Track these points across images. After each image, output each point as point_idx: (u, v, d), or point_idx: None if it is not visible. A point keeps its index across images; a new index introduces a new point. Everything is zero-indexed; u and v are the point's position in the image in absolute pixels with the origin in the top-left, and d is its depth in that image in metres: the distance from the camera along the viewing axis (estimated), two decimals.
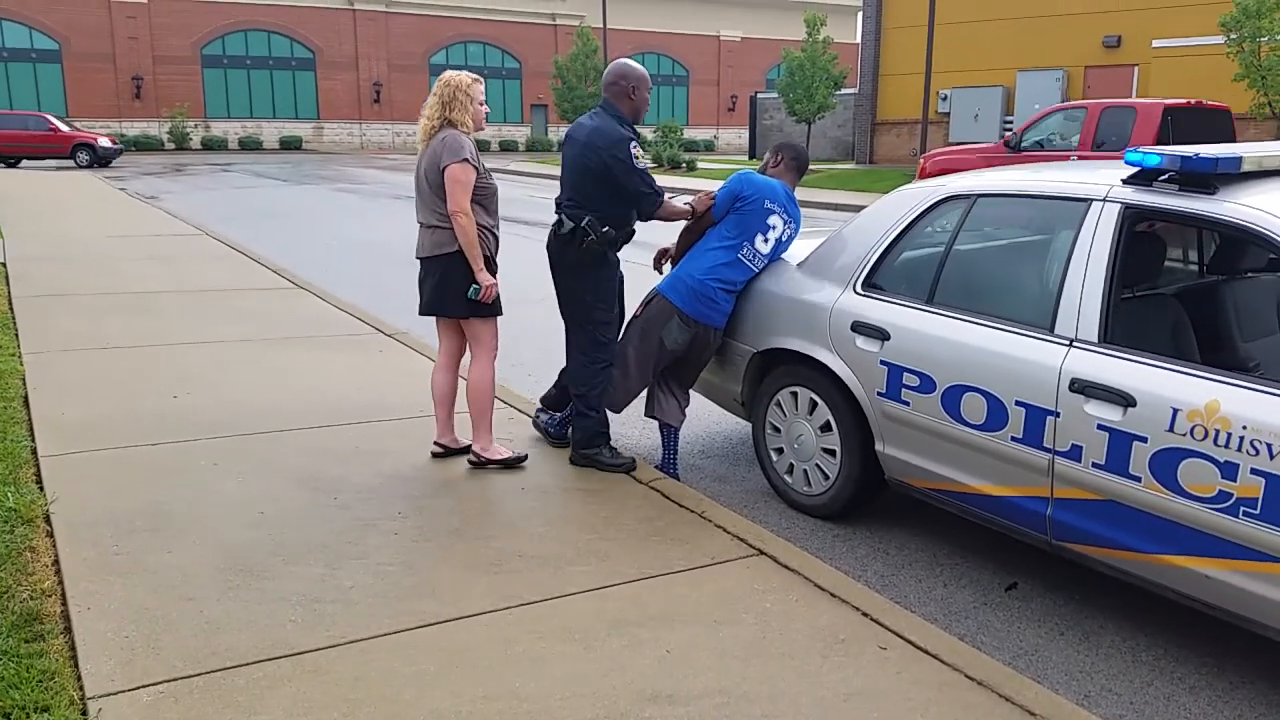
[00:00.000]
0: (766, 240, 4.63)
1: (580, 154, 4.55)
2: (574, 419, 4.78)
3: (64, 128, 32.89)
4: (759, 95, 36.98)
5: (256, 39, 47.39)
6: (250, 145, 46.11)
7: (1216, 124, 14.82)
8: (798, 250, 4.74)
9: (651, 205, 4.60)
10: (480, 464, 4.69)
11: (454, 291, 4.53)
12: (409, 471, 4.65)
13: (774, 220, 4.64)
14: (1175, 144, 15.55)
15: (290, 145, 47.18)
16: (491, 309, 4.61)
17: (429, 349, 7.04)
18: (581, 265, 4.59)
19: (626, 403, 4.78)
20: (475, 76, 4.60)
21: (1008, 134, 17.15)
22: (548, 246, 4.71)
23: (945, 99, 26.19)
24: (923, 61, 23.21)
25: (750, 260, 4.62)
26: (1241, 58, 18.08)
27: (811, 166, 26.71)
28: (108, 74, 44.26)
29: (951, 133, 26.41)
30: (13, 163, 31.25)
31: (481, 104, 4.58)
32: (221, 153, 43.69)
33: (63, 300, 8.57)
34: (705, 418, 5.63)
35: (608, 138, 4.49)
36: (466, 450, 4.80)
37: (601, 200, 4.53)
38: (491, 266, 4.59)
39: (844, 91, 30.87)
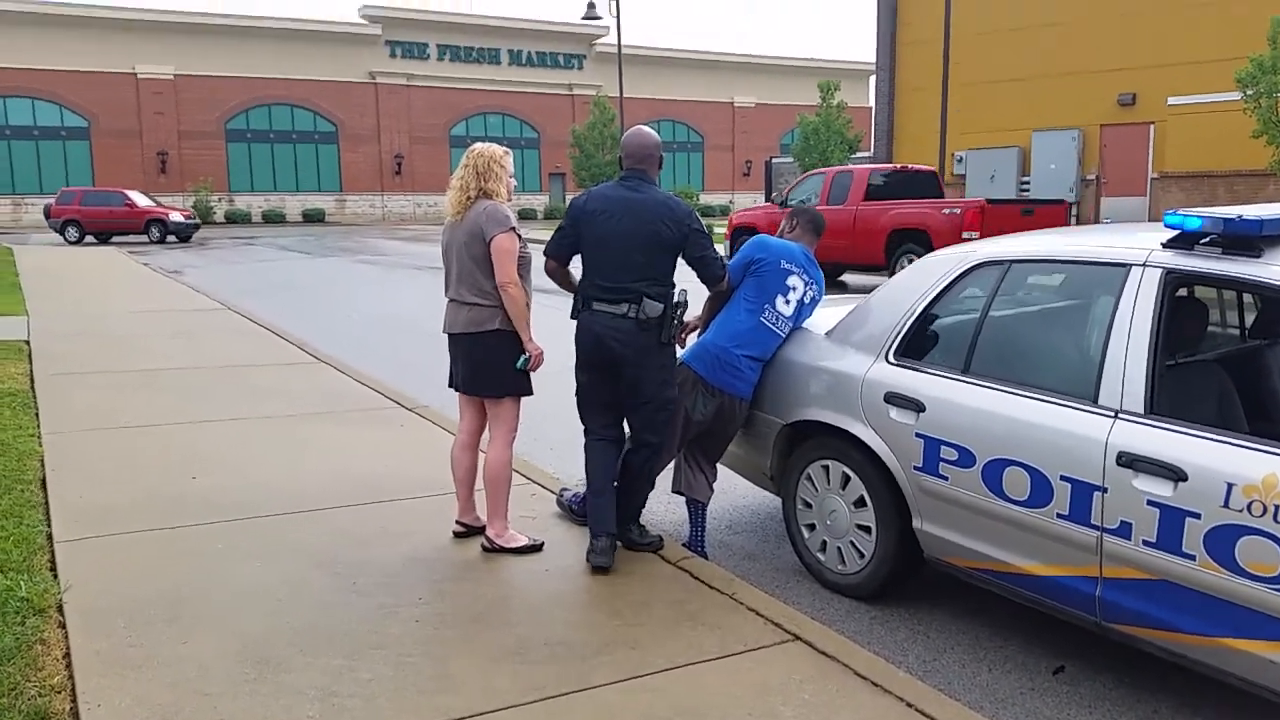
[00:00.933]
0: (788, 302, 4.55)
1: (648, 226, 4.25)
2: (624, 498, 4.51)
3: (140, 202, 32.97)
4: (774, 160, 37.27)
5: (280, 113, 48.36)
6: (274, 218, 46.78)
7: (921, 184, 17.50)
8: (825, 319, 4.65)
9: (722, 270, 4.48)
10: (494, 550, 4.53)
11: (491, 372, 4.46)
12: (431, 553, 4.53)
13: (793, 281, 4.57)
14: (876, 200, 16.62)
15: (313, 218, 47.84)
16: (525, 389, 4.54)
17: (451, 423, 6.95)
18: (666, 346, 4.38)
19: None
20: (506, 149, 4.57)
21: (775, 194, 20.72)
22: (614, 336, 4.26)
23: (961, 160, 26.27)
24: (937, 123, 23.32)
25: (774, 324, 4.54)
26: (1259, 113, 18.04)
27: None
28: (134, 149, 45.21)
29: (967, 194, 26.43)
30: (104, 239, 31.89)
31: (511, 176, 4.55)
32: (245, 226, 44.32)
33: (84, 378, 8.56)
34: (732, 492, 5.50)
35: (681, 208, 4.37)
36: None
37: (667, 273, 4.35)
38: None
39: (859, 155, 31.07)
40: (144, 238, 31.71)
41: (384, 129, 50.41)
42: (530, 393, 4.57)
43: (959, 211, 15.01)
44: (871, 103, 32.32)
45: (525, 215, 50.60)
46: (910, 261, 10.43)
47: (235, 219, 45.75)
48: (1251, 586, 2.95)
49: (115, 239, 31.90)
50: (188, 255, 26.43)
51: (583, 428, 4.54)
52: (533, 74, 53.27)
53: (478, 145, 4.55)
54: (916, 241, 15.14)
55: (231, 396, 7.86)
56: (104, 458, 6.03)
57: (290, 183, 49.06)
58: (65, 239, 31.54)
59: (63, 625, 3.74)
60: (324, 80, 48.59)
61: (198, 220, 34.29)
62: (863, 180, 16.98)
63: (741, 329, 4.52)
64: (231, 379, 8.65)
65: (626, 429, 4.54)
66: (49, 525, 4.79)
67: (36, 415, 7.04)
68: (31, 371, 8.73)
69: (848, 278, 17.65)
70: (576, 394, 4.50)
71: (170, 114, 45.78)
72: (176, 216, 32.64)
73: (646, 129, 4.60)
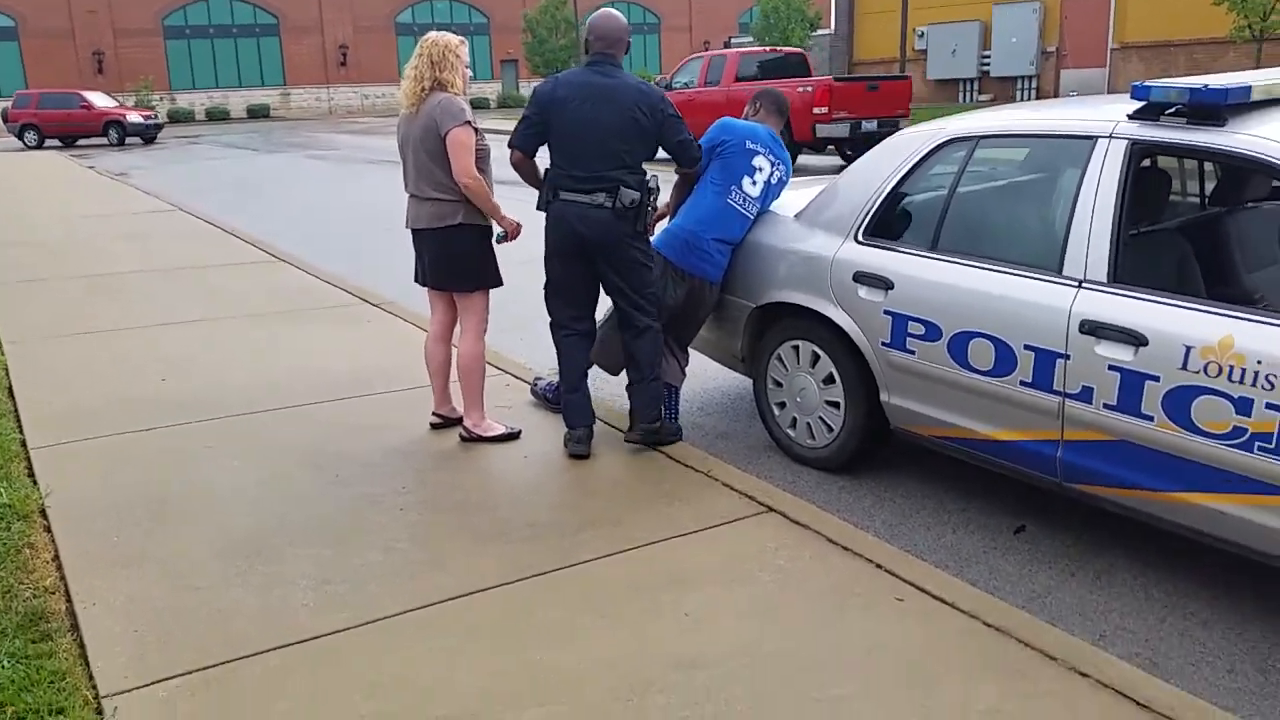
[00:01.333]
0: (755, 183, 4.56)
1: (625, 113, 4.16)
2: (644, 394, 4.44)
3: (99, 102, 30.95)
4: (733, 40, 36.52)
5: (219, 7, 46.42)
6: (217, 116, 45.39)
7: (790, 65, 19.18)
8: (793, 201, 4.66)
9: (699, 153, 4.43)
10: (471, 439, 4.60)
11: (458, 265, 4.44)
12: (409, 445, 4.59)
13: (759, 162, 4.57)
14: (746, 81, 17.87)
15: (258, 114, 46.45)
16: (494, 280, 4.53)
17: (419, 318, 6.95)
18: (642, 233, 4.34)
19: (623, 365, 4.70)
20: (461, 39, 4.44)
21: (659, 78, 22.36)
22: (591, 225, 4.20)
23: (922, 36, 25.94)
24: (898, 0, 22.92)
25: (741, 205, 4.55)
26: None
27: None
28: (67, 49, 43.32)
29: (929, 70, 26.21)
30: (69, 142, 30.28)
31: (467, 66, 4.43)
32: (189, 125, 42.99)
33: (39, 285, 8.42)
34: (703, 375, 5.58)
35: (655, 93, 4.29)
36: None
37: (641, 160, 4.29)
38: (490, 235, 4.50)
39: (820, 32, 30.53)
40: (104, 140, 30.25)
41: (327, 19, 48.59)
42: (500, 283, 4.58)
43: (811, 89, 16.35)
44: None
45: (477, 105, 49.30)
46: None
47: (178, 118, 44.29)
48: (1205, 444, 3.08)
49: (80, 142, 30.47)
50: (132, 157, 25.67)
51: (551, 322, 4.50)
52: None
53: (432, 34, 4.44)
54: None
55: (191, 298, 7.78)
56: (68, 364, 5.98)
57: (233, 78, 47.42)
58: (25, 144, 30.17)
59: (48, 529, 3.77)
60: None
61: (160, 119, 32.47)
62: (735, 63, 18.73)
63: (709, 212, 4.53)
64: (189, 281, 8.54)
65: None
66: (21, 432, 4.79)
67: None
68: None
69: None
70: (546, 287, 4.45)
71: (104, 11, 43.77)
72: (135, 117, 30.87)
73: (614, 11, 4.49)
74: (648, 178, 4.31)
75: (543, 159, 4.35)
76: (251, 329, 6.81)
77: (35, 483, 4.18)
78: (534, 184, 4.42)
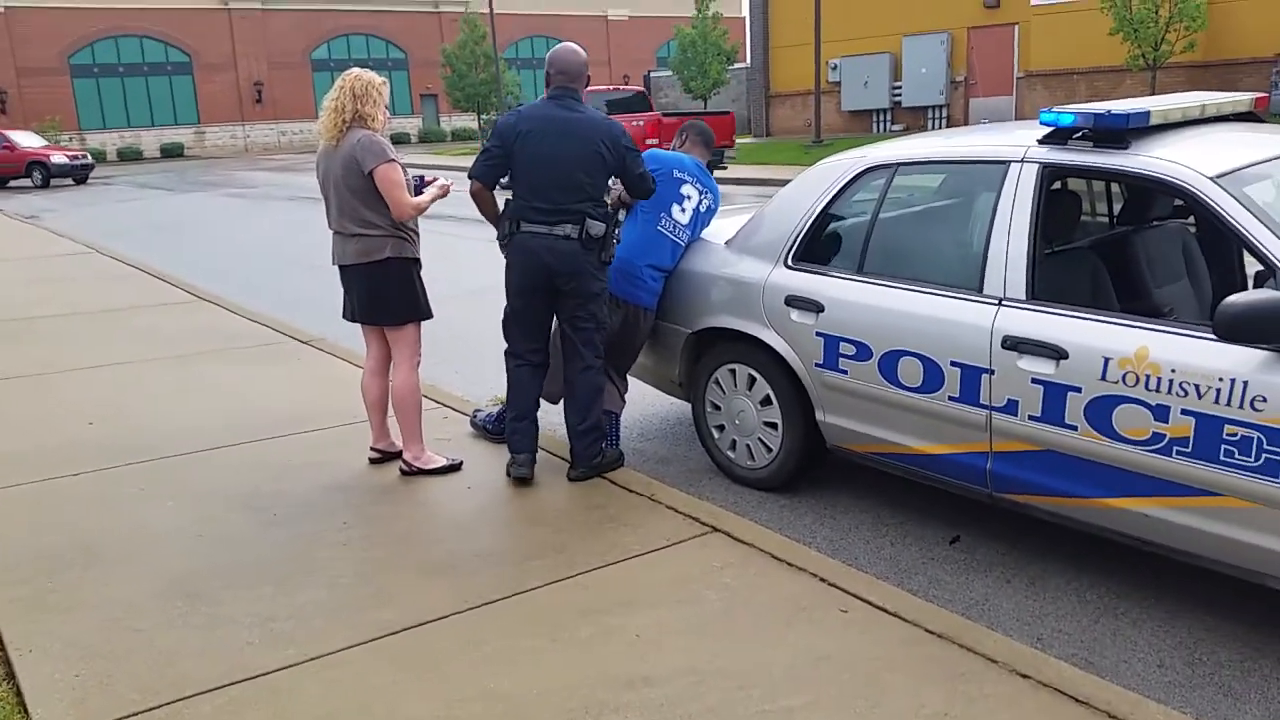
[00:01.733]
0: (684, 210, 4.67)
1: (589, 147, 4.22)
2: (586, 437, 4.45)
3: (24, 142, 29.88)
4: (652, 74, 37.04)
5: (128, 45, 45.47)
6: (130, 156, 44.38)
7: (632, 102, 22.23)
8: (722, 229, 4.77)
9: (653, 185, 4.47)
10: (412, 473, 4.57)
11: (386, 301, 4.44)
12: (347, 480, 4.56)
13: (687, 190, 4.69)
14: None
15: (172, 153, 45.50)
16: (424, 313, 4.53)
17: (349, 354, 6.91)
18: (604, 265, 4.39)
19: (563, 393, 4.73)
20: (384, 79, 4.46)
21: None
22: (556, 257, 4.23)
23: (835, 68, 26.61)
24: (811, 32, 23.53)
25: (671, 233, 4.64)
26: (1115, 12, 18.77)
27: None
28: None
29: (843, 102, 26.89)
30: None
31: (386, 105, 4.44)
32: (100, 165, 41.72)
33: None
34: (641, 401, 5.64)
35: (616, 127, 4.35)
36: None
37: (603, 192, 4.34)
38: (418, 268, 4.51)
39: (736, 66, 31.12)
40: (27, 182, 29.10)
41: (240, 55, 47.96)
42: (429, 315, 4.58)
43: (642, 123, 19.74)
44: (745, 13, 32.26)
45: (398, 140, 49.15)
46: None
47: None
48: (1127, 450, 3.23)
49: (10, 184, 29.28)
50: (42, 199, 24.94)
51: (507, 351, 4.52)
52: None
53: (354, 70, 4.47)
54: None
55: (113, 341, 7.60)
56: None
57: (145, 117, 46.43)
58: None
59: None
60: (173, 8, 45.75)
61: (89, 160, 31.00)
62: (585, 99, 21.75)
63: (641, 239, 4.61)
64: (110, 323, 8.34)
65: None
66: None
67: None
68: None
69: None
70: (506, 319, 4.46)
71: (4, 50, 42.55)
72: (60, 157, 29.52)
73: (575, 45, 4.52)
74: (616, 215, 4.38)
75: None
76: (178, 370, 6.68)
77: None
78: (490, 216, 4.43)
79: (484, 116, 35.83)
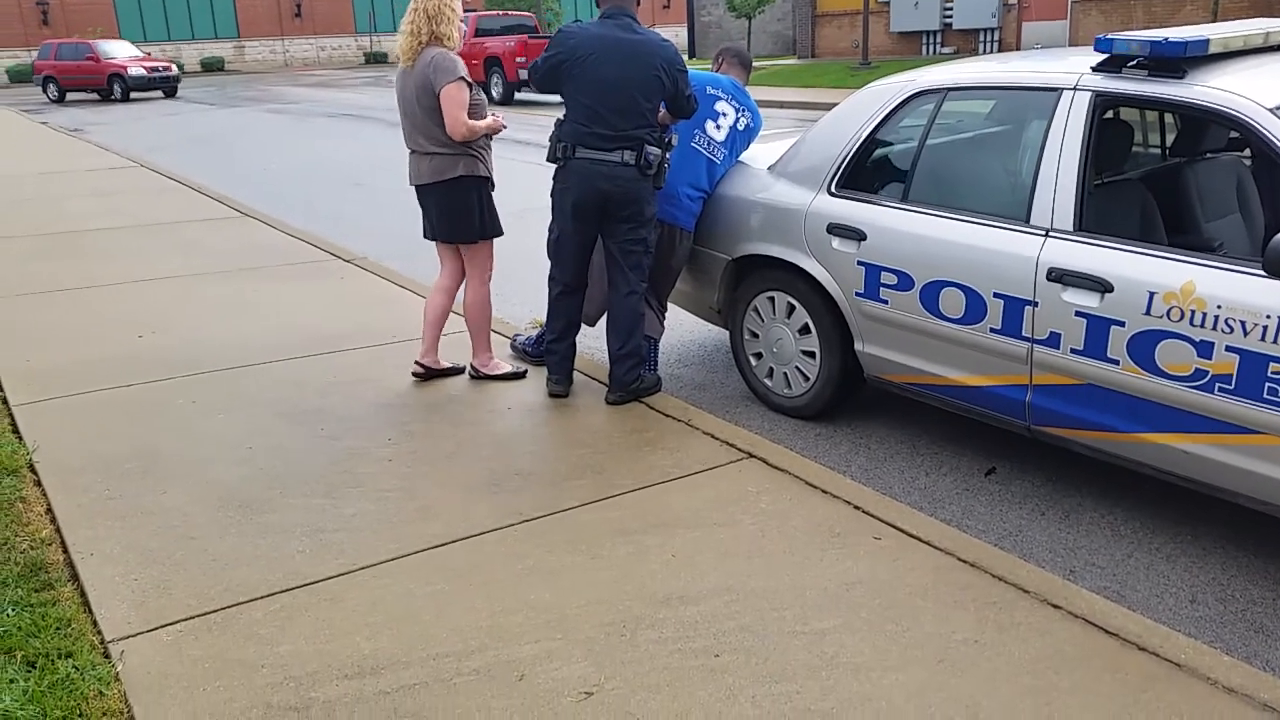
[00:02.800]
0: (719, 127, 4.65)
1: (650, 72, 4.18)
2: (626, 362, 4.48)
3: (111, 51, 28.55)
4: None
5: None
6: None
7: (521, 26, 24.99)
8: (764, 154, 4.73)
9: (695, 107, 4.44)
10: (481, 377, 4.79)
11: (461, 218, 4.56)
12: (391, 398, 4.65)
13: (722, 106, 4.66)
14: (482, 37, 23.31)
15: (212, 67, 45.38)
16: (495, 230, 4.67)
17: (391, 273, 6.99)
18: (652, 194, 4.37)
19: (601, 314, 4.78)
20: None
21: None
22: (614, 183, 4.23)
23: None
24: None
25: (706, 149, 4.63)
26: None
27: (754, 64, 26.35)
28: None
29: (892, 22, 26.18)
30: (105, 95, 28.34)
31: (461, 19, 4.51)
32: None
33: (6, 243, 8.30)
34: (679, 328, 5.67)
35: (671, 50, 4.31)
36: (447, 373, 4.83)
37: (655, 118, 4.31)
38: (490, 186, 4.62)
39: None
40: (112, 95, 28.32)
41: None
42: (500, 233, 4.72)
43: (513, 43, 22.48)
44: None
45: None
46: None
47: None
48: (1169, 385, 3.22)
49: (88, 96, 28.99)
50: (86, 113, 25.08)
51: (551, 276, 4.56)
52: None
53: None
54: (498, 64, 22.68)
55: (162, 255, 7.72)
56: (43, 322, 5.95)
57: (185, 30, 46.21)
58: (48, 97, 28.95)
59: (38, 483, 3.81)
60: None
61: (173, 70, 29.13)
62: (474, 24, 23.97)
63: (676, 157, 4.55)
64: (158, 237, 8.46)
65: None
66: (2, 390, 4.78)
67: None
68: None
69: None
70: (556, 243, 4.48)
71: None
72: (137, 69, 27.93)
73: None
74: (667, 139, 4.37)
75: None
76: (225, 285, 6.79)
77: (20, 439, 4.20)
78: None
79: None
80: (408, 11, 4.45)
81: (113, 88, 28.01)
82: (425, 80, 4.37)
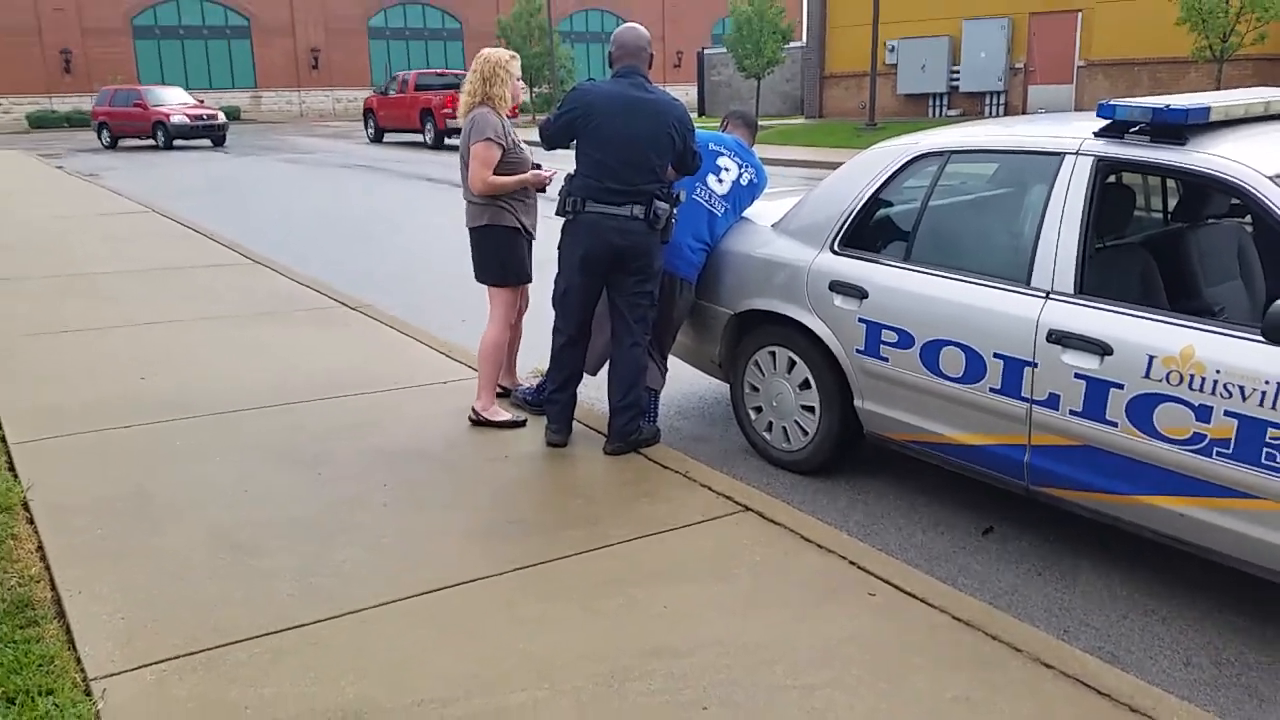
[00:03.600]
0: (720, 180, 4.72)
1: (662, 129, 4.28)
2: (626, 414, 4.49)
3: (160, 98, 27.88)
4: (706, 51, 36.78)
5: (189, 7, 46.02)
6: None
7: (452, 83, 27.51)
8: (769, 211, 4.78)
9: (698, 164, 4.54)
10: (479, 422, 4.88)
11: (483, 262, 4.87)
12: (389, 444, 4.65)
13: (724, 162, 4.75)
14: (419, 92, 27.37)
15: (229, 116, 45.39)
16: (515, 279, 4.89)
17: (396, 321, 7.03)
18: (660, 248, 4.45)
19: (602, 365, 4.80)
20: (512, 53, 4.83)
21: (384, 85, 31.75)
22: (625, 237, 4.30)
23: (893, 50, 26.24)
24: (870, 13, 23.23)
25: (707, 201, 4.70)
26: (1182, 1, 18.31)
27: (762, 122, 26.66)
28: (33, 48, 42.74)
29: (899, 84, 26.54)
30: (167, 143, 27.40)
31: (518, 79, 4.80)
32: None
33: (15, 284, 8.37)
34: (679, 380, 5.67)
35: (681, 108, 4.42)
36: (519, 402, 5.09)
37: (664, 174, 4.39)
38: (520, 236, 4.80)
39: (792, 45, 30.77)
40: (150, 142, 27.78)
41: (298, 21, 48.31)
42: (518, 282, 4.90)
43: (444, 97, 25.42)
44: None
45: None
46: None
47: None
48: (1167, 449, 3.21)
49: (136, 143, 28.28)
50: (101, 158, 25.42)
51: (555, 328, 4.58)
52: None
53: (485, 50, 4.85)
54: (430, 114, 26.30)
55: (169, 299, 7.77)
56: (48, 362, 5.98)
57: (203, 80, 46.92)
58: (101, 143, 28.64)
59: (31, 521, 3.80)
60: None
61: (219, 117, 28.37)
62: (414, 80, 28.51)
63: (679, 210, 4.61)
64: (166, 282, 8.53)
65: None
66: (1, 429, 4.79)
67: None
68: None
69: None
70: (563, 295, 4.50)
71: (71, 10, 43.20)
72: (179, 118, 27.06)
73: (637, 25, 4.58)
74: (676, 194, 4.45)
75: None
76: (230, 330, 6.82)
77: (16, 477, 4.19)
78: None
79: (537, 90, 35.81)
80: (469, 73, 4.82)
81: (157, 135, 27.50)
82: (465, 136, 4.71)
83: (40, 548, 3.59)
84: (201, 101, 31.19)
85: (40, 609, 3.14)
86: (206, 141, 28.35)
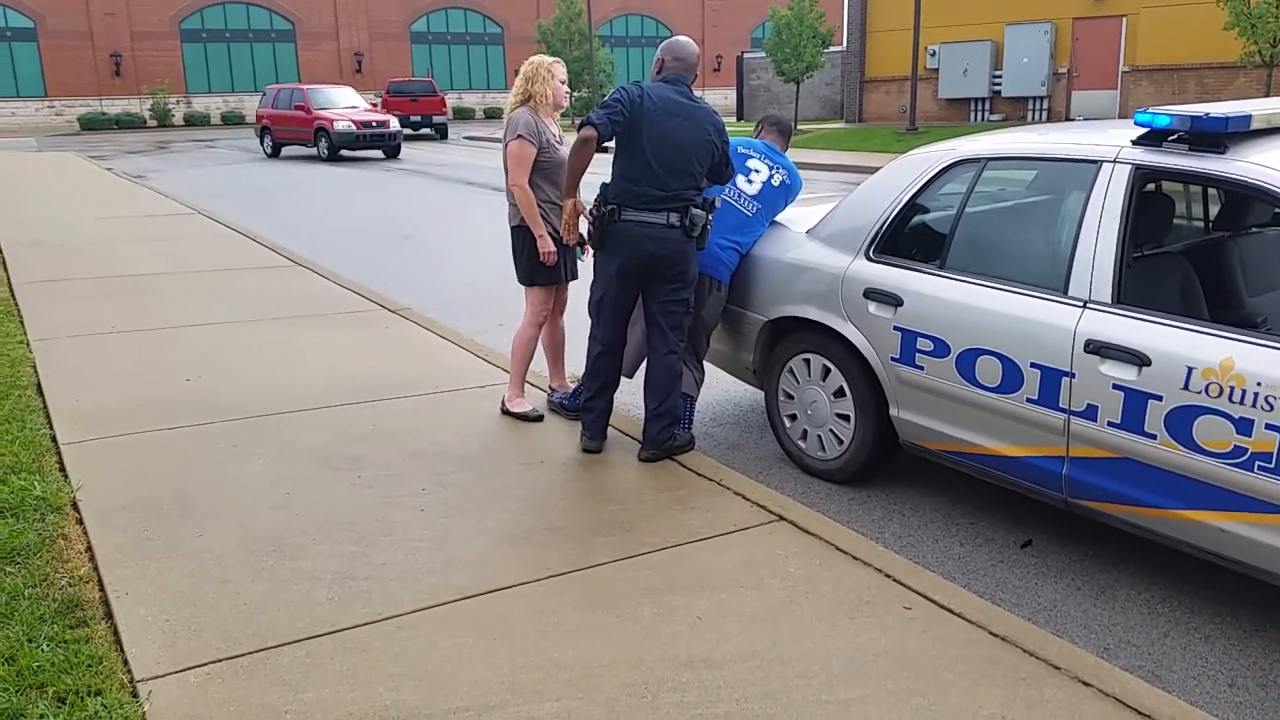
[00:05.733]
0: (750, 181, 4.75)
1: (705, 136, 4.32)
2: (661, 421, 4.49)
3: (328, 100, 24.62)
4: (745, 55, 36.68)
5: (235, 12, 46.72)
6: (233, 120, 45.63)
7: (423, 88, 34.01)
8: (804, 217, 4.78)
9: (731, 173, 4.59)
10: (504, 413, 5.12)
11: (516, 261, 5.01)
12: (428, 448, 4.70)
13: (754, 164, 4.78)
14: (394, 97, 30.68)
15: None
16: (545, 279, 4.96)
17: (435, 324, 7.10)
18: (695, 255, 4.46)
19: (637, 366, 4.82)
20: (556, 59, 5.03)
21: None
22: (662, 245, 4.30)
23: (934, 55, 26.05)
24: (910, 17, 23.07)
25: (737, 201, 4.72)
26: (1231, 6, 18.00)
27: (801, 126, 26.58)
28: (85, 51, 43.62)
29: (940, 89, 26.34)
30: (337, 153, 23.78)
31: (563, 83, 4.92)
32: (204, 128, 43.24)
33: (63, 285, 8.56)
34: (715, 386, 5.68)
35: (719, 117, 4.47)
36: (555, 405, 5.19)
37: (702, 182, 4.43)
38: (559, 239, 4.84)
39: (832, 49, 30.64)
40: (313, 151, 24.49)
41: (342, 26, 48.87)
42: (556, 281, 5.01)
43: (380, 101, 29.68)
44: None
45: (492, 115, 49.67)
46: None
47: (194, 121, 44.55)
48: (1206, 462, 3.18)
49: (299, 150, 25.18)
50: (149, 160, 25.88)
51: (592, 335, 4.59)
52: None
53: (534, 56, 5.06)
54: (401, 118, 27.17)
55: (212, 301, 7.91)
56: (95, 363, 6.11)
57: (249, 83, 47.62)
58: (264, 151, 25.92)
59: (80, 522, 3.88)
60: None
61: (391, 125, 24.17)
62: (387, 85, 33.49)
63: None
64: (210, 283, 8.67)
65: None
66: (51, 428, 4.90)
67: (21, 323, 7.07)
68: (9, 279, 8.70)
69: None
70: (598, 304, 4.51)
71: (121, 14, 44.06)
72: (344, 124, 23.22)
73: (689, 39, 4.62)
74: (712, 201, 4.47)
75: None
76: (273, 332, 6.93)
77: (66, 477, 4.29)
78: (577, 173, 4.33)
79: (576, 94, 35.94)
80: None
81: (319, 143, 23.80)
82: (504, 137, 4.87)
83: (89, 548, 3.67)
84: (374, 105, 28.33)
85: (89, 609, 3.21)
86: (377, 153, 24.65)
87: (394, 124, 24.50)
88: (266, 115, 25.85)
